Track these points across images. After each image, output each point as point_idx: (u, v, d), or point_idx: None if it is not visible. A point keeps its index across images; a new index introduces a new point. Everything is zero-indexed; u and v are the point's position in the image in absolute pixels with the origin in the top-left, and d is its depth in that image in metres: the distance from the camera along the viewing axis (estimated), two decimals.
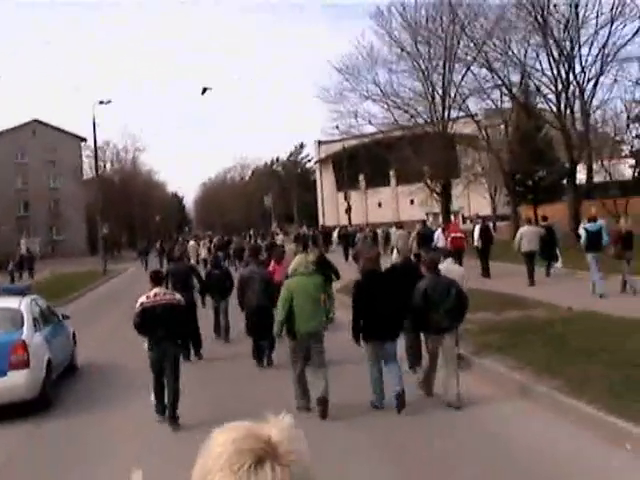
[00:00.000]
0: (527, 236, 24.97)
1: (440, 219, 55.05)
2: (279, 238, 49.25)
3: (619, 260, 20.79)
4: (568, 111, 41.80)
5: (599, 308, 17.96)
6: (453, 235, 28.75)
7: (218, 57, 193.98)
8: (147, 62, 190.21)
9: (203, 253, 45.88)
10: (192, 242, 50.69)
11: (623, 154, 50.40)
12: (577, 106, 41.86)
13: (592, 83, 40.88)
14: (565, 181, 54.44)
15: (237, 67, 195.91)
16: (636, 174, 49.21)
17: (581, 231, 21.90)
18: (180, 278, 16.77)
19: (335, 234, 57.09)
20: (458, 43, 47.53)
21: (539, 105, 45.84)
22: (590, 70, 40.51)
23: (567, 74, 41.10)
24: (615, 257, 20.89)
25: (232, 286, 17.97)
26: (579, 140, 41.07)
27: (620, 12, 38.89)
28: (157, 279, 12.19)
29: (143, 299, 11.54)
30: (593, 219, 21.93)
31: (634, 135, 49.54)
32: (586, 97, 40.92)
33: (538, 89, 42.85)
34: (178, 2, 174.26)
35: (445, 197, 53.11)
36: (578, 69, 40.75)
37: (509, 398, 11.80)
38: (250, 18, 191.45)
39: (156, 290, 11.69)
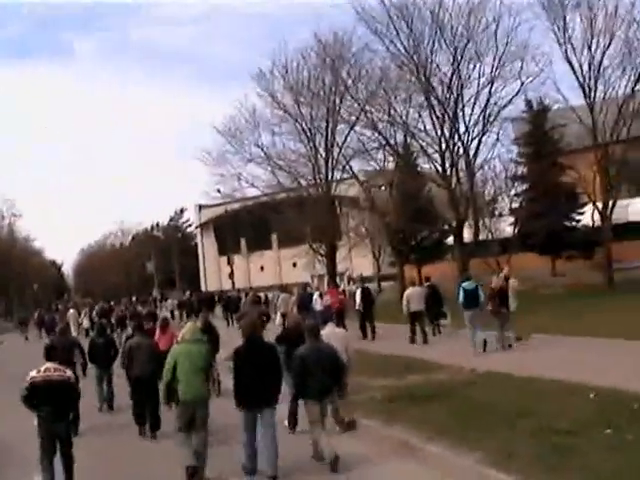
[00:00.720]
0: (413, 297, 25.53)
1: (325, 281, 54.30)
2: (168, 304, 47.61)
3: (495, 316, 21.59)
4: (453, 170, 41.50)
5: (497, 367, 17.58)
6: (333, 299, 29.14)
7: (99, 120, 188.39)
8: (16, 123, 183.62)
9: (85, 322, 44.30)
10: (72, 310, 48.84)
11: (502, 212, 50.91)
12: (461, 165, 41.71)
13: (475, 142, 40.93)
14: (451, 240, 55.07)
15: (115, 131, 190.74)
16: (516, 231, 49.64)
17: (460, 290, 22.28)
18: (63, 353, 15.38)
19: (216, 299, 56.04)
20: (341, 103, 46.98)
21: (424, 165, 45.57)
22: (473, 130, 40.53)
23: (451, 133, 40.82)
24: (492, 314, 21.66)
25: (116, 354, 17.74)
26: (464, 199, 40.90)
27: (499, 73, 39.39)
28: (49, 354, 11.81)
29: (33, 373, 10.92)
30: (468, 278, 23.14)
31: (512, 193, 50.33)
32: (470, 156, 40.76)
33: (423, 149, 42.34)
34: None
35: (331, 259, 52.12)
36: (462, 129, 40.70)
37: (426, 470, 10.83)
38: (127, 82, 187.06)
39: (47, 365, 11.13)
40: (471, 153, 40.78)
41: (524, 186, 50.75)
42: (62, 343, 16.49)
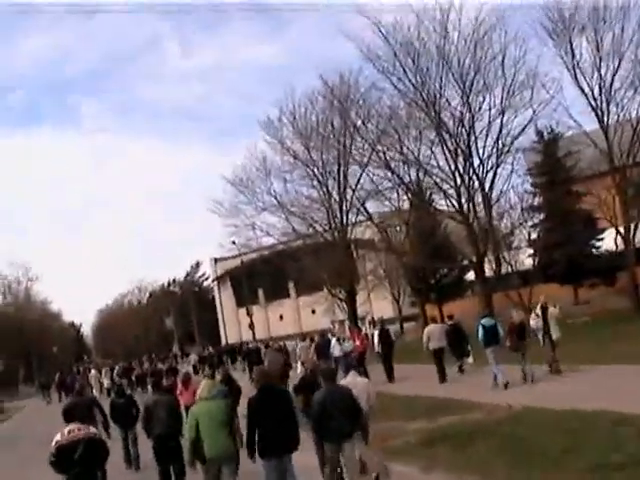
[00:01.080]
0: (433, 334, 25.29)
1: (346, 326, 53.64)
2: (190, 359, 47.02)
3: (516, 352, 21.35)
4: (470, 205, 40.79)
5: (533, 402, 17.00)
6: (357, 342, 29.38)
7: (110, 179, 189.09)
8: (30, 185, 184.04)
9: (106, 382, 44.23)
10: (93, 372, 49.45)
11: (521, 244, 50.17)
12: (477, 199, 41.02)
13: (490, 175, 40.22)
14: (471, 275, 54.28)
15: (126, 189, 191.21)
16: (535, 262, 48.83)
17: (479, 327, 22.21)
18: (82, 412, 14.93)
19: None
20: (351, 144, 46.67)
21: (439, 201, 44.79)
22: (487, 162, 39.89)
23: (465, 168, 40.24)
24: (512, 350, 21.53)
25: (138, 413, 16.93)
26: (483, 233, 40.16)
27: (509, 103, 38.92)
28: (69, 415, 11.65)
29: (58, 437, 10.42)
30: (487, 315, 23.27)
31: (530, 225, 49.67)
32: (486, 189, 40.06)
33: (437, 185, 41.52)
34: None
35: (350, 303, 51.39)
36: (476, 162, 40.04)
37: None
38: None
39: (70, 427, 10.64)
40: (487, 186, 40.03)
41: (541, 216, 50.09)
42: (80, 403, 16.28)
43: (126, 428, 17.86)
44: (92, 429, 11.00)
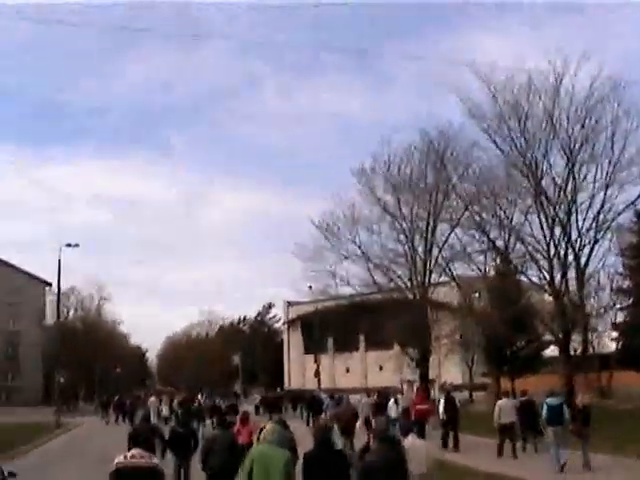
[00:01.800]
0: (504, 409, 24.66)
1: (415, 387, 52.15)
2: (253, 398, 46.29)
3: (578, 437, 20.64)
4: (562, 278, 38.80)
5: None
6: (418, 407, 28.95)
7: (191, 209, 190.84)
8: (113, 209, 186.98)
9: (164, 410, 44.27)
10: (153, 398, 49.20)
11: (606, 327, 48.39)
12: (569, 273, 39.03)
13: (587, 250, 38.18)
14: (549, 352, 52.38)
15: (207, 221, 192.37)
16: (619, 347, 47.03)
17: (544, 406, 21.76)
18: (146, 439, 14.32)
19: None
20: (443, 202, 45.40)
21: (528, 271, 42.73)
22: (586, 236, 37.95)
23: (559, 239, 38.25)
24: (574, 434, 20.87)
25: (197, 446, 17.31)
26: (573, 309, 38.23)
27: (615, 178, 37.13)
28: (136, 440, 11.14)
29: (120, 459, 10.28)
30: (553, 394, 22.20)
31: (617, 307, 47.88)
32: (582, 265, 38.06)
33: (530, 253, 39.56)
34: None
35: (423, 365, 49.93)
36: (574, 235, 38.01)
37: None
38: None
39: (134, 451, 10.48)
40: (582, 261, 38.09)
41: (629, 300, 48.29)
42: (144, 429, 15.96)
43: (182, 458, 17.70)
44: (154, 459, 10.82)
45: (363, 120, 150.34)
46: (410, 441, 11.83)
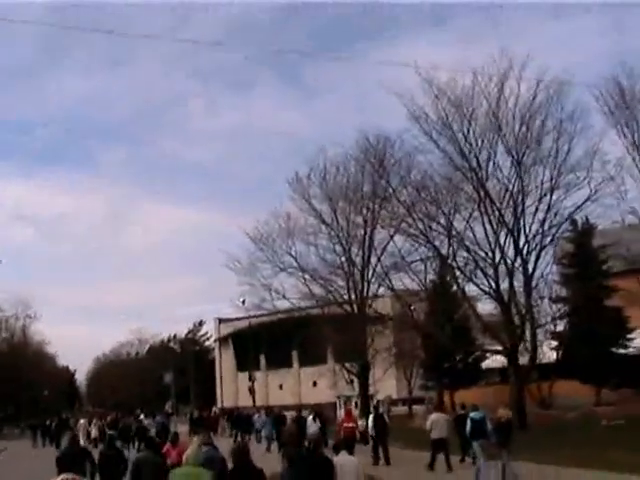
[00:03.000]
0: (437, 423, 24.34)
1: (354, 403, 50.14)
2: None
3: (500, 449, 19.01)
4: (507, 285, 36.92)
5: None
6: (345, 425, 28.63)
7: (117, 226, 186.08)
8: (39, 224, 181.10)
9: (93, 432, 43.43)
10: (82, 420, 48.81)
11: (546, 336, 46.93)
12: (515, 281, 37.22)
13: (533, 256, 36.37)
14: (486, 364, 50.99)
15: (135, 236, 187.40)
16: (559, 356, 46.29)
17: (467, 420, 22.25)
18: (74, 463, 14.71)
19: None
20: (380, 211, 43.19)
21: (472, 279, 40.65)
22: (532, 242, 36.15)
23: (504, 245, 36.38)
24: (497, 445, 19.68)
25: (126, 469, 16.27)
26: (520, 318, 36.39)
27: (558, 183, 35.38)
28: (63, 463, 12.17)
29: None
30: (476, 408, 22.87)
31: (557, 316, 46.59)
32: (529, 271, 36.20)
33: (475, 261, 37.50)
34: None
35: (363, 379, 47.73)
36: (522, 240, 36.04)
37: None
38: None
39: (65, 475, 9.90)
40: (529, 268, 36.24)
41: (567, 308, 46.99)
42: (74, 452, 15.93)
43: None
44: None
45: (300, 133, 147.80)
46: (341, 457, 11.98)
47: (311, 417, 32.31)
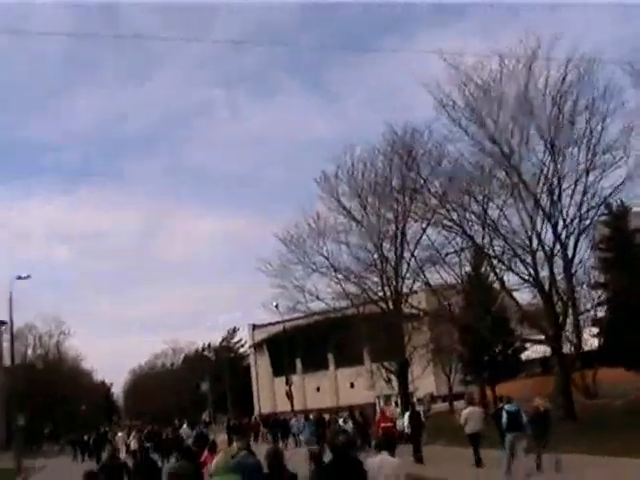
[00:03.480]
0: (471, 417, 23.95)
1: (393, 402, 49.09)
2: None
3: (537, 440, 20.71)
4: (549, 272, 35.51)
5: None
6: (382, 424, 29.04)
7: (147, 238, 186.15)
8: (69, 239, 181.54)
9: (132, 444, 42.54)
10: (120, 433, 49.44)
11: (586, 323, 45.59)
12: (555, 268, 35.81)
13: (572, 241, 34.95)
14: (525, 355, 49.87)
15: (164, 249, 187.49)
16: (601, 343, 45.39)
17: (502, 413, 21.64)
18: (113, 477, 15.59)
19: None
20: (411, 204, 41.72)
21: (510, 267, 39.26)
22: (571, 226, 34.80)
23: (540, 231, 35.02)
24: (533, 437, 20.83)
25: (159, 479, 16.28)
26: (562, 305, 35.08)
27: (594, 164, 33.99)
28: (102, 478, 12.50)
29: None
30: (510, 400, 22.16)
31: (596, 302, 45.25)
32: (569, 256, 34.73)
33: (512, 249, 36.21)
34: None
35: (403, 378, 46.58)
36: (560, 225, 34.70)
37: None
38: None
39: None
40: (569, 253, 34.88)
41: (606, 294, 45.69)
42: (111, 466, 16.23)
43: None
44: None
45: (328, 135, 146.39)
46: (381, 458, 11.66)
47: (342, 420, 33.52)
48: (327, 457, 11.70)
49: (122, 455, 32.31)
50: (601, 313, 46.71)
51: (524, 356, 52.99)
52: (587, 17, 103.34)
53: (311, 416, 38.89)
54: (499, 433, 22.92)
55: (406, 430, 28.12)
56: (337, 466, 10.49)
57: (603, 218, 42.70)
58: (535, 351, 50.16)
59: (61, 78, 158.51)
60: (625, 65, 32.36)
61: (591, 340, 45.89)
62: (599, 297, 45.87)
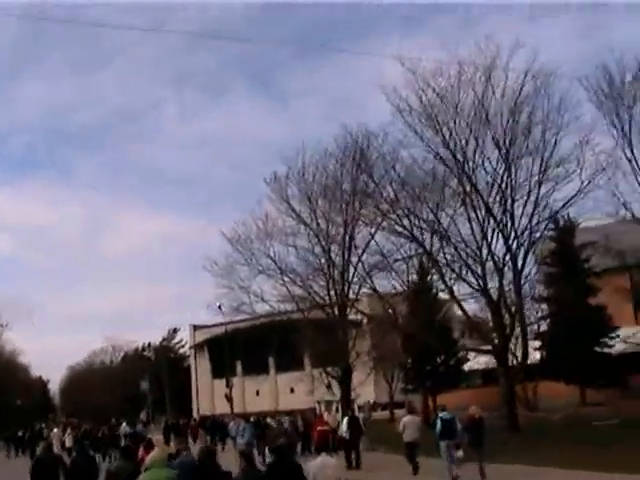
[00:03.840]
0: (409, 426, 24.12)
1: (334, 408, 48.42)
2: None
3: (473, 448, 21.04)
4: (494, 284, 35.32)
5: None
6: (319, 428, 29.83)
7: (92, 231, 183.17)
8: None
9: (68, 441, 42.65)
10: (56, 430, 49.21)
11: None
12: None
13: (522, 253, 34.67)
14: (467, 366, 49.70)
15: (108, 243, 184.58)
16: (543, 357, 45.10)
17: (437, 421, 22.24)
18: (48, 469, 15.78)
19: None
20: (360, 209, 41.27)
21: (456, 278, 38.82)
22: (521, 238, 34.55)
23: (490, 242, 34.95)
24: (469, 444, 21.19)
25: (97, 477, 16.36)
26: (510, 317, 34.87)
27: (546, 176, 33.81)
28: (37, 471, 13.16)
29: None
30: (444, 409, 22.87)
31: (538, 316, 45.73)
32: (518, 267, 34.50)
33: (462, 259, 35.64)
34: None
35: (345, 384, 46.01)
36: (512, 236, 34.20)
37: None
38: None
39: None
40: (519, 264, 34.66)
41: (549, 308, 45.85)
42: (46, 460, 16.41)
43: None
44: None
45: (281, 137, 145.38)
46: (322, 459, 12.06)
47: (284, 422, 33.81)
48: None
49: (56, 450, 31.78)
50: (543, 327, 46.80)
51: (466, 367, 52.77)
52: (547, 30, 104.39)
53: (252, 419, 38.57)
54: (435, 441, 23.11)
55: (344, 435, 27.93)
56: (277, 468, 10.63)
57: (550, 233, 42.75)
58: (477, 362, 49.99)
59: (7, 64, 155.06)
60: (582, 79, 32.40)
61: (533, 353, 45.84)
62: (542, 311, 46.10)
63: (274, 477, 10.56)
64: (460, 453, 22.44)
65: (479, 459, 20.82)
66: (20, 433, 55.69)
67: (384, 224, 38.34)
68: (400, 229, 36.65)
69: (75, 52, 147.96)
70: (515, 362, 38.88)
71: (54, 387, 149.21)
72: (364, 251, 43.00)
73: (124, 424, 51.02)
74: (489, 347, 37.27)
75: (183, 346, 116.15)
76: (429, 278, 44.61)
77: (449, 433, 21.33)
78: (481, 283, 34.70)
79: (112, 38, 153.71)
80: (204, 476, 10.55)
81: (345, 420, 28.87)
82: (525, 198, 33.91)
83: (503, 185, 33.82)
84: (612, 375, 41.30)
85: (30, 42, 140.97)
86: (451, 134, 34.14)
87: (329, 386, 48.86)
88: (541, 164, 33.57)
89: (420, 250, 37.64)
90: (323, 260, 44.68)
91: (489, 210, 34.09)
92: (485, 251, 34.63)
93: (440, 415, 22.23)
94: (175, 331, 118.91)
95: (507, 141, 33.57)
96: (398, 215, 36.29)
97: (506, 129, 33.57)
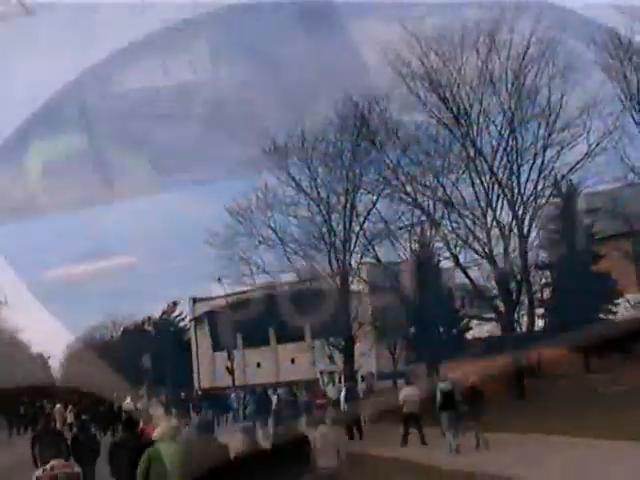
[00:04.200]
0: (408, 397, 24.46)
1: (337, 379, 48.23)
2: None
3: (471, 417, 21.14)
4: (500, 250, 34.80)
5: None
6: (319, 402, 29.71)
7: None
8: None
9: (69, 417, 43.54)
10: (58, 405, 50.05)
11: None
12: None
13: (528, 219, 34.20)
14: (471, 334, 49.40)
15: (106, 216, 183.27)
16: (546, 324, 44.27)
17: (436, 392, 22.45)
18: (50, 446, 14.40)
19: None
20: (362, 176, 40.82)
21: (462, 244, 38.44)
22: (528, 204, 33.98)
23: (496, 207, 34.48)
24: (467, 414, 21.30)
25: (98, 452, 17.18)
26: (516, 284, 34.43)
27: (551, 141, 33.15)
28: (37, 443, 13.69)
29: (39, 472, 9.71)
30: (445, 379, 23.55)
31: (542, 283, 44.82)
32: (524, 232, 34.15)
33: (467, 226, 35.27)
34: None
35: (347, 355, 45.64)
36: (518, 202, 33.86)
37: None
38: None
39: (54, 462, 9.79)
40: (525, 230, 34.19)
41: (553, 275, 45.36)
42: (47, 432, 17.31)
43: (85, 464, 16.43)
44: (76, 467, 10.42)
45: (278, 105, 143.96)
46: (320, 432, 12.17)
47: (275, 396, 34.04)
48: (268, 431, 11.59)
49: (59, 427, 32.18)
50: (547, 294, 46.43)
51: (469, 335, 52.54)
52: None
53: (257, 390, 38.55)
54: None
55: (342, 407, 27.92)
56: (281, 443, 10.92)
57: (555, 199, 42.35)
58: (481, 330, 49.75)
59: None
60: (588, 41, 31.73)
61: (537, 320, 45.62)
62: (546, 278, 45.70)
63: (279, 453, 10.56)
64: (460, 424, 22.44)
65: (475, 429, 20.98)
66: (22, 411, 57.08)
67: (386, 191, 37.74)
68: (403, 196, 36.05)
69: None
70: (519, 330, 38.71)
71: (55, 363, 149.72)
72: (366, 219, 42.46)
73: (128, 399, 50.96)
74: (493, 315, 36.89)
75: (183, 319, 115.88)
76: (432, 245, 44.20)
77: (448, 404, 21.67)
78: (487, 250, 34.14)
79: None
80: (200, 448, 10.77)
81: (343, 391, 29.34)
82: (531, 162, 33.30)
83: (508, 149, 33.20)
84: (616, 342, 40.53)
85: None
86: (454, 98, 33.47)
87: (331, 357, 48.64)
88: (547, 128, 32.95)
89: (423, 217, 37.01)
90: (324, 229, 44.17)
91: (494, 175, 33.52)
92: (490, 217, 34.04)
93: (440, 386, 22.48)
94: (175, 304, 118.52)
95: (512, 104, 32.96)
96: (401, 181, 35.70)
97: (511, 92, 33.02)
